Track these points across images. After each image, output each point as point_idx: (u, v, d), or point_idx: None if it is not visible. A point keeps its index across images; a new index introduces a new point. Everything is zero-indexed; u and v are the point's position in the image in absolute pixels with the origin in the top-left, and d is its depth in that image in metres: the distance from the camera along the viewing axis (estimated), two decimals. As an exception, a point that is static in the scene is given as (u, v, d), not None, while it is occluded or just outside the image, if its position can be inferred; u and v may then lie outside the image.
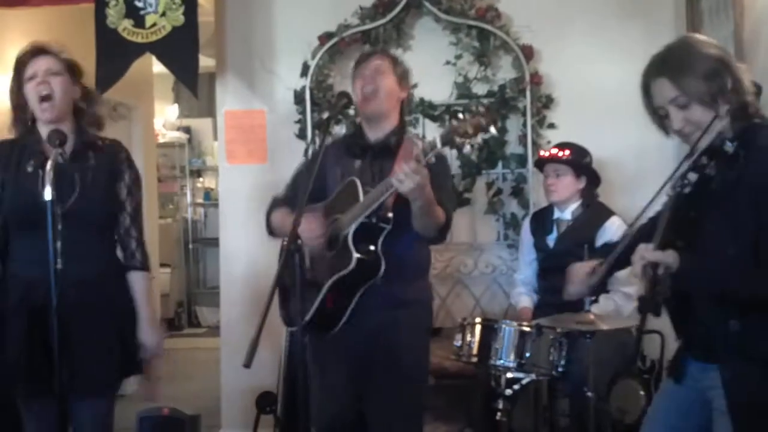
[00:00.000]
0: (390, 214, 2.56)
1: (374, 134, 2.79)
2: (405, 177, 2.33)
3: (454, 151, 4.24)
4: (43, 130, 2.56)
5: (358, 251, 2.55)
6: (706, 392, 2.07)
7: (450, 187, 2.88)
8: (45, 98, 2.52)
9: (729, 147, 1.93)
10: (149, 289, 2.71)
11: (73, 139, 2.57)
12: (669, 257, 1.89)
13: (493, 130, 2.25)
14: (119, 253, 2.66)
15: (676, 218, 1.95)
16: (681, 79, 1.93)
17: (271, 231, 2.89)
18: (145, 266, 2.69)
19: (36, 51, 2.59)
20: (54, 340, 2.28)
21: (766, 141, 1.93)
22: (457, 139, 2.23)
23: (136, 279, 2.66)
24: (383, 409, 2.72)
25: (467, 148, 2.30)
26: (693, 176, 1.97)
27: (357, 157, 2.77)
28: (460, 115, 2.26)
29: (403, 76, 2.83)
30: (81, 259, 2.44)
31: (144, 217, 2.80)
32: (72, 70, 2.62)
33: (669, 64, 1.96)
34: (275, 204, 2.91)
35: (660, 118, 2.03)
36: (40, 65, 2.54)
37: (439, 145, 2.28)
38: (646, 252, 1.90)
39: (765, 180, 1.89)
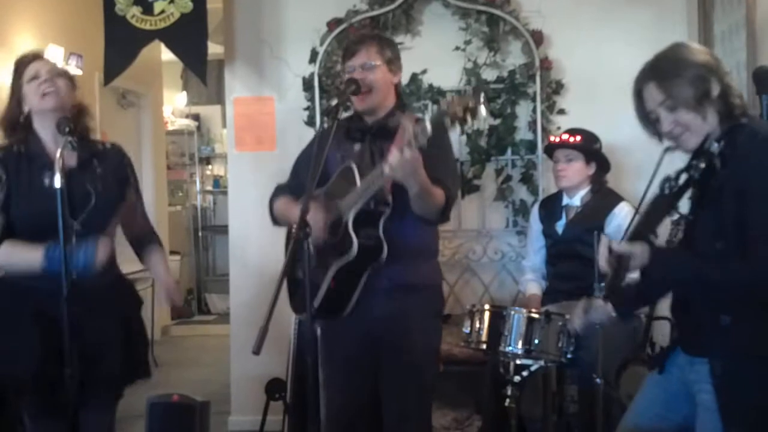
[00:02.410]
0: (389, 197, 2.54)
1: (372, 117, 2.76)
2: (396, 164, 2.30)
3: (464, 137, 4.29)
4: (44, 133, 2.55)
5: (359, 237, 2.54)
6: (691, 386, 2.10)
7: (451, 165, 2.80)
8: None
9: (714, 147, 2.00)
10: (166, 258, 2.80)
11: (77, 148, 2.57)
12: (635, 247, 2.01)
13: (483, 110, 2.21)
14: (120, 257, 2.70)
15: (654, 215, 2.05)
16: (667, 84, 2.02)
17: (275, 219, 2.89)
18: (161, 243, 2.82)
19: (37, 55, 2.61)
20: (66, 350, 2.34)
21: (745, 140, 2.00)
22: (447, 121, 2.20)
23: (156, 251, 2.75)
24: (394, 393, 2.72)
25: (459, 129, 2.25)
26: (683, 177, 2.05)
27: (356, 141, 2.75)
28: (448, 96, 2.23)
29: (392, 60, 2.76)
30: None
31: (153, 204, 2.84)
32: (67, 74, 2.61)
33: (657, 70, 2.06)
34: (278, 192, 2.90)
35: (651, 122, 2.12)
36: (43, 66, 2.54)
37: (429, 129, 2.23)
38: (612, 245, 2.05)
39: (746, 179, 1.95)
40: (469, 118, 2.18)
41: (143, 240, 2.76)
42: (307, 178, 2.45)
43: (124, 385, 2.67)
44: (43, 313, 2.46)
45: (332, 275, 2.59)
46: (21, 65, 2.57)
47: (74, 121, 2.57)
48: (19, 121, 2.56)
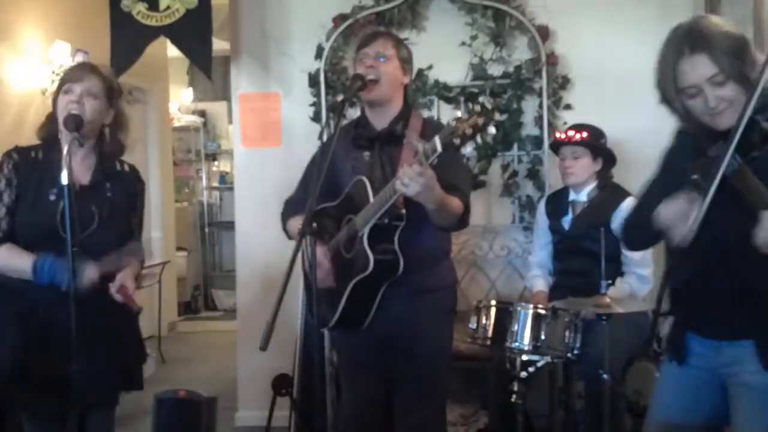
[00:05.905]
0: (402, 211, 2.52)
1: (379, 122, 2.73)
2: (410, 181, 2.29)
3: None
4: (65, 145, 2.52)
5: (374, 252, 2.52)
6: (719, 370, 2.06)
7: (463, 171, 2.80)
8: (73, 116, 2.47)
9: (765, 125, 1.88)
10: (137, 269, 2.67)
11: (93, 166, 2.58)
12: None
13: (492, 129, 2.22)
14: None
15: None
16: (721, 57, 1.90)
17: (290, 237, 2.84)
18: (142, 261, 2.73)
19: (83, 68, 2.59)
20: (57, 354, 2.35)
21: None
22: (456, 141, 2.20)
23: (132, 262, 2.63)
24: (407, 394, 2.72)
25: (468, 149, 2.25)
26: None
27: (365, 149, 2.73)
28: (459, 114, 2.22)
29: (406, 60, 2.75)
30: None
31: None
32: (111, 93, 2.59)
33: (707, 42, 1.92)
34: (289, 207, 2.85)
35: (680, 98, 1.98)
36: (80, 84, 2.52)
37: (439, 148, 2.23)
38: None
39: None
40: (478, 137, 2.19)
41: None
42: (316, 189, 2.42)
43: (116, 393, 2.67)
44: (32, 315, 2.44)
45: (349, 291, 2.58)
46: (65, 77, 2.57)
47: (101, 137, 2.58)
48: (51, 131, 2.57)
